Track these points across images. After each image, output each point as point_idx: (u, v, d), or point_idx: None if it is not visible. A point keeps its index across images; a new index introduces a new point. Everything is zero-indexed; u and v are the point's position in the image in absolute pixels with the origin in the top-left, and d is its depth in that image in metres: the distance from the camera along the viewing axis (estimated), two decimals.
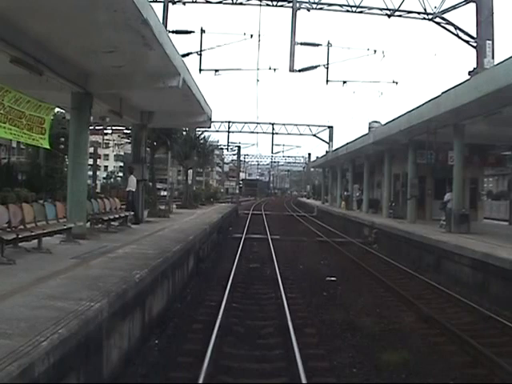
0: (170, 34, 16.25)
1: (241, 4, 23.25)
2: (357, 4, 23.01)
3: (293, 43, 22.88)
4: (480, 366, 6.74)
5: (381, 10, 23.14)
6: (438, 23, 22.99)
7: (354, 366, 6.68)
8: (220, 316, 8.09)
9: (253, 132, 51.95)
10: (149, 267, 8.02)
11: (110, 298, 5.86)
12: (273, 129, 51.89)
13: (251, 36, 24.57)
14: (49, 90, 10.56)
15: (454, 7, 22.81)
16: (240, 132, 51.63)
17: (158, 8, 20.62)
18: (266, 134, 52.42)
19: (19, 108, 9.55)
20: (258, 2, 23.22)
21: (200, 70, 25.99)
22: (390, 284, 11.93)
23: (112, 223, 14.14)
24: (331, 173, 47.52)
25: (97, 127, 29.93)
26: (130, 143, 25.34)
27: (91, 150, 28.08)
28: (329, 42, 26.70)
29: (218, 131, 50.02)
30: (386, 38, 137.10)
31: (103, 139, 46.58)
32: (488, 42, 21.08)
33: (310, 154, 79.53)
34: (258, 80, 61.78)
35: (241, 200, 56.45)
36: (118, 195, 17.28)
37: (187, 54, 24.09)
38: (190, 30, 24.45)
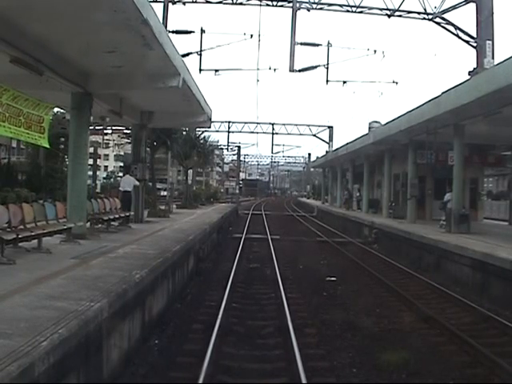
0: (170, 34, 16.24)
1: (241, 4, 23.24)
2: (357, 4, 23.00)
3: (293, 43, 22.88)
4: (480, 366, 6.74)
5: (381, 10, 23.13)
6: (438, 23, 22.98)
7: (354, 366, 6.68)
8: (220, 316, 8.09)
9: (253, 132, 51.99)
10: (149, 267, 8.02)
11: (109, 298, 5.86)
12: (273, 129, 51.93)
13: (251, 36, 24.58)
14: (49, 90, 10.56)
15: (454, 7, 22.81)
16: (240, 132, 51.67)
17: (158, 8, 20.65)
18: (266, 133, 52.49)
19: (17, 105, 9.54)
20: (258, 2, 23.22)
21: (200, 70, 26.01)
22: (390, 284, 11.93)
23: (112, 223, 14.14)
24: (331, 173, 47.52)
25: (97, 127, 29.90)
26: (130, 143, 25.34)
27: (91, 150, 28.01)
28: (329, 42, 26.73)
29: (218, 131, 50.03)
30: (386, 38, 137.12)
31: (103, 139, 46.52)
32: (488, 42, 21.07)
33: (309, 154, 79.58)
34: (258, 80, 61.91)
35: (241, 200, 56.42)
36: (118, 195, 17.27)
37: (187, 54, 24.09)
38: (189, 30, 24.47)
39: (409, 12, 23.22)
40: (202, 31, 25.26)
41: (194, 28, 27.77)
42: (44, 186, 24.11)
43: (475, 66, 20.91)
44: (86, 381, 4.95)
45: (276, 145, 62.24)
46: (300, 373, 5.69)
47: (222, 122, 49.98)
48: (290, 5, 22.73)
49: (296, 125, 52.67)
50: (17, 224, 9.04)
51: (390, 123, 23.73)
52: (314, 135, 52.27)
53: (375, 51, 26.71)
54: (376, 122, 34.62)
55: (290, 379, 5.98)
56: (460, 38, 22.54)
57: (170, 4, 22.13)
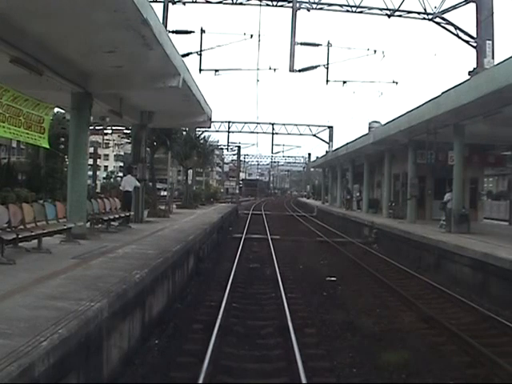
0: (170, 34, 16.25)
1: (241, 4, 23.27)
2: (357, 4, 23.02)
3: (293, 43, 22.89)
4: (480, 366, 6.74)
5: (381, 10, 23.16)
6: (437, 23, 23.00)
7: (354, 366, 6.68)
8: (220, 316, 8.09)
9: (253, 132, 52.10)
10: (149, 267, 8.02)
11: (109, 298, 5.86)
12: (273, 129, 52.01)
13: (251, 36, 24.60)
14: (49, 90, 10.55)
15: (453, 7, 22.83)
16: (240, 132, 51.80)
17: (158, 8, 20.66)
18: (266, 134, 52.64)
19: (17, 106, 9.54)
20: (258, 2, 23.25)
21: (200, 70, 26.03)
22: (390, 284, 11.93)
23: (112, 223, 14.14)
24: (331, 173, 47.51)
25: (97, 127, 29.91)
26: (129, 143, 25.32)
27: (91, 149, 28.02)
28: (329, 42, 26.73)
29: (218, 131, 50.12)
30: (386, 38, 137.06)
31: (103, 139, 46.58)
32: (488, 42, 21.07)
33: (309, 154, 79.52)
34: (258, 80, 61.86)
35: (241, 200, 56.46)
36: (118, 195, 17.26)
37: (187, 54, 24.11)
38: (190, 30, 24.47)
39: (409, 12, 23.25)
40: (202, 31, 25.28)
41: (194, 28, 27.84)
42: (44, 185, 24.14)
43: (475, 66, 20.89)
44: (86, 381, 4.95)
45: (276, 145, 62.49)
46: (300, 373, 5.70)
47: (222, 122, 50.12)
48: (290, 5, 22.74)
49: (296, 125, 52.86)
50: (17, 224, 9.04)
51: (389, 123, 23.73)
52: (314, 135, 52.34)
53: (375, 51, 26.76)
54: (376, 121, 34.60)
55: (290, 379, 5.98)
56: (460, 37, 22.56)
57: (170, 4, 22.15)
